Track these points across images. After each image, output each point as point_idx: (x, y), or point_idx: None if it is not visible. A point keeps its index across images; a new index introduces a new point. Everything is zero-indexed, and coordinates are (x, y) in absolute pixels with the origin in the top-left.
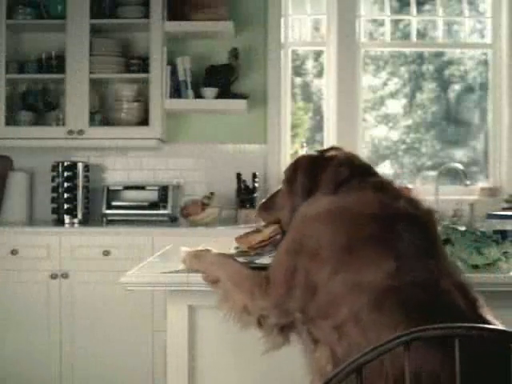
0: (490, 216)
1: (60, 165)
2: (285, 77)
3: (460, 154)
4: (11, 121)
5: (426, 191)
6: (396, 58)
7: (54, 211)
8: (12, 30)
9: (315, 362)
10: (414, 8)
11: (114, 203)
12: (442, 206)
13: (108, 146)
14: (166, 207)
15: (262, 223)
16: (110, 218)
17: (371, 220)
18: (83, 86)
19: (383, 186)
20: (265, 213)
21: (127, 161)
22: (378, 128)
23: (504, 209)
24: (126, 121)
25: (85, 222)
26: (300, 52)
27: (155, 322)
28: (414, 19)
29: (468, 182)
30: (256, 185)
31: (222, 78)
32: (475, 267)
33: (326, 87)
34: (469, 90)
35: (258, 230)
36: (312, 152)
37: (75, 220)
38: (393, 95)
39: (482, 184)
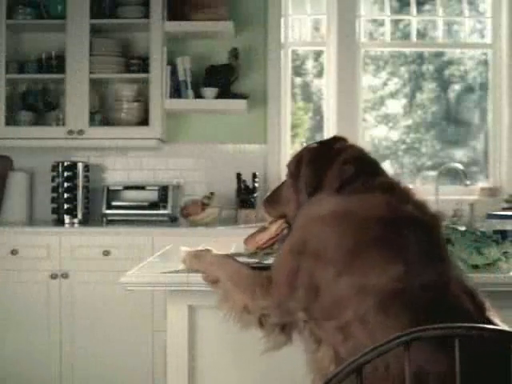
0: (490, 216)
1: (60, 165)
2: (285, 77)
3: (460, 154)
4: (11, 121)
5: (426, 191)
6: (396, 57)
7: (53, 211)
8: (12, 30)
9: (317, 361)
10: (414, 8)
11: (113, 203)
12: (442, 205)
13: (108, 146)
14: (166, 207)
15: (268, 219)
16: (109, 218)
17: (377, 223)
18: (83, 86)
19: (389, 188)
20: (270, 207)
21: (127, 161)
22: (377, 128)
23: (504, 209)
24: (126, 121)
25: (85, 222)
26: (300, 52)
27: (155, 321)
28: (414, 19)
29: (468, 182)
30: (256, 185)
31: (221, 78)
32: (475, 267)
33: (326, 87)
34: (469, 90)
35: (263, 229)
36: (315, 144)
37: (75, 220)
38: (393, 95)
39: (482, 184)
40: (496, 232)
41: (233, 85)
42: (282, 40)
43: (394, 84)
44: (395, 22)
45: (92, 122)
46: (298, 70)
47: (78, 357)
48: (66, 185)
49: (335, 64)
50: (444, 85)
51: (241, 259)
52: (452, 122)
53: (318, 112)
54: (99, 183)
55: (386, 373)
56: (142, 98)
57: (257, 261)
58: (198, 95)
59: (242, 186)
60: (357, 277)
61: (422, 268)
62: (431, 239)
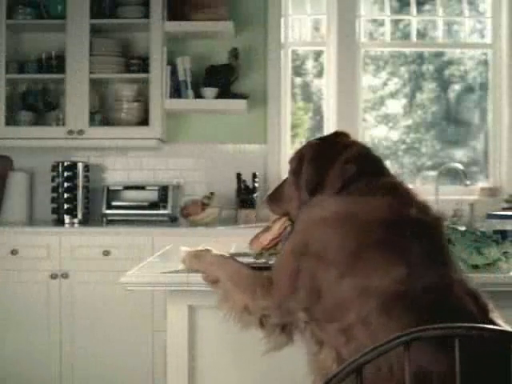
0: (490, 216)
1: (60, 165)
2: (285, 77)
3: (460, 154)
4: (11, 121)
5: (426, 191)
6: (396, 57)
7: (53, 211)
8: (12, 30)
9: (319, 362)
10: (414, 8)
11: (113, 203)
12: (442, 205)
13: (108, 146)
14: (166, 207)
15: (272, 217)
16: (109, 218)
17: (380, 226)
18: (83, 86)
19: (392, 189)
20: (273, 204)
21: (127, 161)
22: (378, 128)
23: (504, 209)
24: (126, 121)
25: (85, 222)
26: (300, 52)
27: (155, 321)
28: (414, 19)
29: (468, 182)
30: (256, 185)
31: (222, 78)
32: (475, 267)
33: (326, 87)
34: (469, 90)
35: (267, 228)
36: (317, 139)
37: (75, 220)
38: (393, 95)
39: (482, 184)
40: (496, 232)
41: (233, 85)
42: (282, 40)
43: (394, 84)
44: (395, 22)
45: (92, 122)
46: (298, 70)
47: (77, 357)
48: (66, 185)
49: (335, 64)
50: (444, 85)
51: (245, 260)
52: (452, 121)
53: (318, 112)
54: (99, 183)
55: (390, 374)
56: (142, 98)
57: (254, 260)
58: (198, 95)
59: (242, 185)
60: (359, 279)
61: (425, 270)
62: (434, 241)
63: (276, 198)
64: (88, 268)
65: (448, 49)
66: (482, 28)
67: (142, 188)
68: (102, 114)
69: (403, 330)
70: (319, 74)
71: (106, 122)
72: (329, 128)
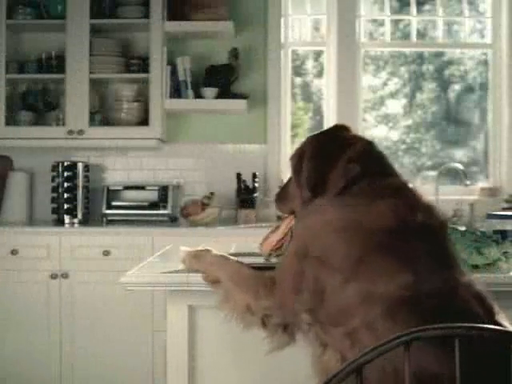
0: (490, 216)
1: (60, 165)
2: (285, 77)
3: (460, 154)
4: (11, 121)
5: (426, 191)
6: (396, 58)
7: (53, 211)
8: (12, 30)
9: (323, 364)
10: (414, 8)
11: (113, 203)
12: (442, 205)
13: (108, 146)
14: (166, 207)
15: (283, 216)
16: (110, 218)
17: (384, 231)
18: (83, 86)
19: (396, 190)
20: (280, 203)
21: (127, 161)
22: (378, 128)
23: (504, 209)
24: (126, 121)
25: (85, 222)
26: (300, 52)
27: (155, 321)
28: (414, 19)
29: (468, 182)
30: (256, 185)
31: (222, 78)
32: (475, 267)
33: (326, 87)
34: (469, 90)
35: (276, 228)
36: (317, 134)
37: (75, 220)
38: (393, 95)
39: (482, 184)
40: (496, 232)
41: (233, 85)
42: (282, 40)
43: (394, 84)
44: (395, 22)
45: (92, 122)
46: (298, 70)
47: (77, 357)
48: (66, 185)
49: (335, 64)
50: (444, 85)
51: (246, 259)
52: (452, 121)
53: (318, 112)
54: (99, 183)
55: (395, 375)
56: (142, 98)
57: (253, 260)
58: (198, 95)
59: (242, 185)
60: (364, 284)
61: (430, 275)
62: (438, 245)
63: (282, 196)
64: (88, 268)
65: (448, 49)
66: (482, 28)
67: (142, 188)
68: (102, 114)
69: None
70: (319, 74)
71: (106, 122)
72: None
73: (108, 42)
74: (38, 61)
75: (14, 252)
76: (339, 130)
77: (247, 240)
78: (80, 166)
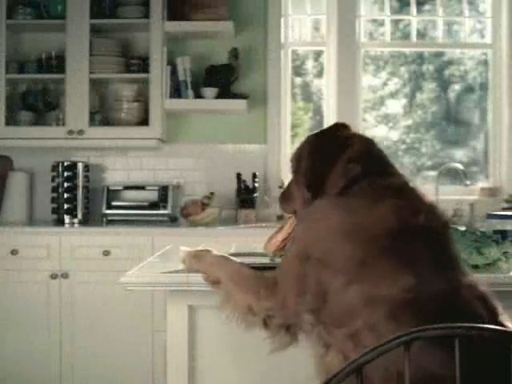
0: (490, 216)
1: (60, 165)
2: (285, 77)
3: (460, 154)
4: (11, 121)
5: (426, 191)
6: (396, 58)
7: (53, 211)
8: (12, 30)
9: (326, 365)
10: (414, 8)
11: (113, 203)
12: (442, 205)
13: (108, 146)
14: (166, 207)
15: (288, 216)
16: (110, 218)
17: (386, 234)
18: (83, 86)
19: (398, 191)
20: (284, 203)
21: (127, 161)
22: (378, 128)
23: (504, 209)
24: (126, 121)
25: (85, 222)
26: (300, 52)
27: (155, 321)
28: (414, 19)
29: (468, 182)
30: (256, 185)
31: (222, 78)
32: (475, 267)
33: (326, 87)
34: (469, 90)
35: (281, 228)
36: (317, 133)
37: (75, 220)
38: (393, 95)
39: (482, 184)
40: (496, 232)
41: (233, 85)
42: (282, 40)
43: (394, 84)
44: (395, 22)
45: (92, 122)
46: (298, 70)
47: (77, 357)
48: (66, 185)
49: (335, 64)
50: (444, 85)
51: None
52: (452, 121)
53: (318, 112)
54: (99, 183)
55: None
56: (142, 98)
57: (253, 260)
58: (198, 95)
59: (242, 185)
60: (367, 287)
61: (433, 277)
62: (441, 246)
63: (285, 196)
64: (88, 268)
65: (448, 49)
66: (482, 28)
67: (142, 188)
68: (102, 114)
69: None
70: (319, 74)
71: (106, 122)
72: None
73: (108, 41)
74: (38, 61)
75: (14, 252)
76: (339, 129)
77: (247, 240)
78: (80, 166)
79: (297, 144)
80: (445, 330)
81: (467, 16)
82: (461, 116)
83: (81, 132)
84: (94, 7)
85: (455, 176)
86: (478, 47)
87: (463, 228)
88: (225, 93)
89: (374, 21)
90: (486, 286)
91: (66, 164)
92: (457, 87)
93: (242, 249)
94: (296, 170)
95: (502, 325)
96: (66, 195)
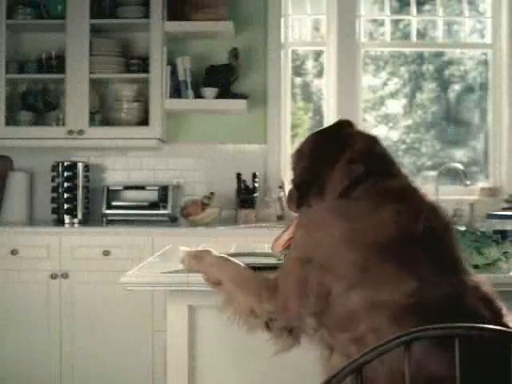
0: (490, 216)
1: (60, 165)
2: (285, 77)
3: (460, 154)
4: (11, 121)
5: (426, 191)
6: (396, 58)
7: (54, 211)
8: (12, 30)
9: (331, 366)
10: (414, 8)
11: (114, 203)
12: (442, 206)
13: (108, 146)
14: (166, 207)
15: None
16: (109, 218)
17: (388, 239)
18: (83, 86)
19: (400, 195)
20: (289, 202)
21: (127, 161)
22: (378, 128)
23: (504, 209)
24: (126, 121)
25: (85, 222)
26: (300, 52)
27: (155, 321)
28: (414, 19)
29: (468, 182)
30: (256, 185)
31: (222, 78)
32: (475, 267)
33: (326, 87)
34: (469, 90)
35: (288, 227)
36: (318, 132)
37: (75, 220)
38: (393, 95)
39: (482, 184)
40: (496, 232)
41: (233, 85)
42: (282, 40)
43: (394, 84)
44: (395, 22)
45: (92, 122)
46: (298, 70)
47: (77, 357)
48: (66, 185)
49: (335, 64)
50: (444, 85)
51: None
52: (452, 121)
53: (318, 112)
54: (99, 183)
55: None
56: (142, 98)
57: (253, 261)
58: (198, 95)
59: (242, 185)
60: (369, 292)
61: (436, 281)
62: (444, 249)
63: (290, 195)
64: (88, 268)
65: (448, 49)
66: (482, 28)
67: (142, 188)
68: (102, 114)
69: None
70: (319, 74)
71: (106, 122)
72: None
73: (108, 41)
74: (38, 61)
75: (13, 252)
76: (342, 127)
77: (247, 240)
78: (80, 166)
79: (297, 144)
80: (445, 330)
81: (467, 16)
82: (461, 116)
83: (81, 132)
84: (94, 7)
85: (455, 176)
86: (478, 47)
87: (463, 228)
88: (225, 93)
89: (374, 21)
90: (490, 286)
91: (66, 164)
92: (457, 87)
93: (242, 249)
94: (297, 168)
95: (507, 326)
96: (65, 195)
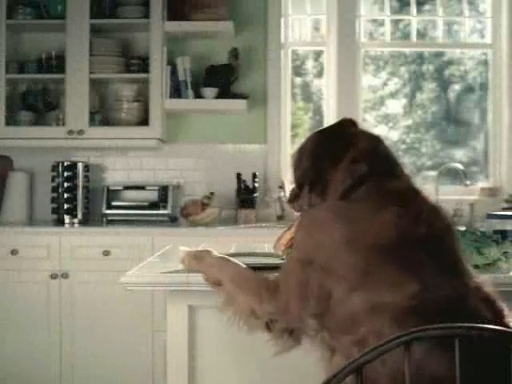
0: (490, 216)
1: (60, 165)
2: (285, 77)
3: (460, 154)
4: (11, 121)
5: (426, 191)
6: (396, 58)
7: (54, 211)
8: (12, 30)
9: (332, 368)
10: (414, 8)
11: (113, 203)
12: (442, 206)
13: (108, 146)
14: (166, 207)
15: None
16: (110, 218)
17: (390, 242)
18: (83, 86)
19: (402, 197)
20: (291, 201)
21: (127, 161)
22: (378, 128)
23: (504, 209)
24: (126, 121)
25: (85, 222)
26: (300, 52)
27: (155, 322)
28: (414, 19)
29: (468, 182)
30: (256, 185)
31: (222, 78)
32: (475, 267)
33: (326, 87)
34: (469, 90)
35: (290, 227)
36: (321, 130)
37: (75, 220)
38: (393, 95)
39: (482, 184)
40: (496, 232)
41: (233, 85)
42: (282, 40)
43: (394, 84)
44: (395, 22)
45: (92, 121)
46: (298, 70)
47: (77, 357)
48: (66, 185)
49: (335, 64)
50: (444, 85)
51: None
52: (452, 121)
53: (318, 112)
54: (99, 183)
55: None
56: (142, 98)
57: (253, 261)
58: (198, 95)
59: (242, 185)
60: (371, 295)
61: (438, 283)
62: (446, 251)
63: (291, 194)
64: (88, 268)
65: (448, 49)
66: (482, 28)
67: (142, 188)
68: (102, 114)
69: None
70: (319, 74)
71: (106, 122)
72: None
73: (108, 41)
74: (38, 61)
75: (14, 252)
76: (346, 125)
77: (247, 240)
78: (80, 166)
79: (297, 144)
80: (445, 330)
81: (467, 16)
82: (461, 116)
83: (81, 132)
84: (94, 7)
85: (455, 176)
86: (478, 47)
87: (463, 228)
88: (225, 93)
89: (374, 21)
90: (492, 287)
91: (66, 164)
92: (457, 87)
93: (242, 249)
94: (294, 167)
95: (509, 327)
96: (66, 195)
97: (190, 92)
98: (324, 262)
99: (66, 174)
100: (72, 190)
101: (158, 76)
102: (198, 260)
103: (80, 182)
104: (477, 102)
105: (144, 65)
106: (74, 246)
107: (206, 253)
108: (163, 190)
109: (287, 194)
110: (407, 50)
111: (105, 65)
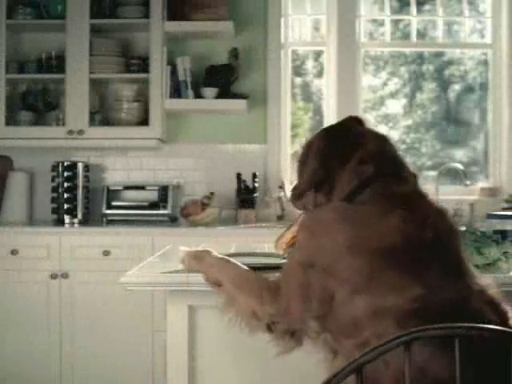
0: (490, 216)
1: (60, 165)
2: (285, 77)
3: (460, 154)
4: (11, 121)
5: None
6: (396, 58)
7: (54, 211)
8: (12, 30)
9: (334, 370)
10: (414, 8)
11: (114, 203)
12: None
13: (108, 146)
14: (166, 207)
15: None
16: (110, 218)
17: (394, 246)
18: (83, 86)
19: (407, 200)
20: (293, 199)
21: (127, 161)
22: (378, 128)
23: (504, 209)
24: (126, 121)
25: (85, 222)
26: (300, 52)
27: (155, 321)
28: (414, 19)
29: (468, 182)
30: (256, 185)
31: (222, 78)
32: (475, 267)
33: (326, 87)
34: (469, 90)
35: (291, 226)
36: (328, 128)
37: (75, 220)
38: (393, 95)
39: (482, 184)
40: (496, 232)
41: (233, 85)
42: (282, 40)
43: (394, 84)
44: (395, 22)
45: (92, 122)
46: (298, 70)
47: (77, 357)
48: (66, 185)
49: (335, 64)
50: (444, 85)
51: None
52: (452, 121)
53: (318, 112)
54: (99, 183)
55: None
56: (142, 98)
57: (252, 261)
58: (198, 95)
59: (242, 185)
60: (374, 299)
61: (441, 287)
62: (450, 255)
63: (295, 192)
64: (88, 268)
65: (448, 49)
66: (482, 28)
67: (142, 188)
68: (102, 114)
69: (419, 344)
70: (319, 74)
71: (106, 122)
72: None
73: (108, 41)
74: (38, 61)
75: (14, 252)
76: (352, 124)
77: (247, 240)
78: (80, 166)
79: (297, 144)
80: (445, 330)
81: (467, 16)
82: (461, 116)
83: (81, 132)
84: (94, 7)
85: (455, 176)
86: (478, 47)
87: (463, 228)
88: (225, 93)
89: (374, 21)
90: (497, 289)
91: (66, 164)
92: (457, 87)
93: (242, 249)
94: (300, 164)
95: None
96: (66, 195)
97: (190, 92)
98: (327, 264)
99: (65, 174)
100: (72, 189)
101: (158, 76)
102: (198, 260)
103: (80, 181)
104: (477, 101)
105: (144, 65)
106: (73, 246)
107: (206, 253)
108: (163, 190)
109: (287, 193)
110: (407, 50)
111: (105, 65)
